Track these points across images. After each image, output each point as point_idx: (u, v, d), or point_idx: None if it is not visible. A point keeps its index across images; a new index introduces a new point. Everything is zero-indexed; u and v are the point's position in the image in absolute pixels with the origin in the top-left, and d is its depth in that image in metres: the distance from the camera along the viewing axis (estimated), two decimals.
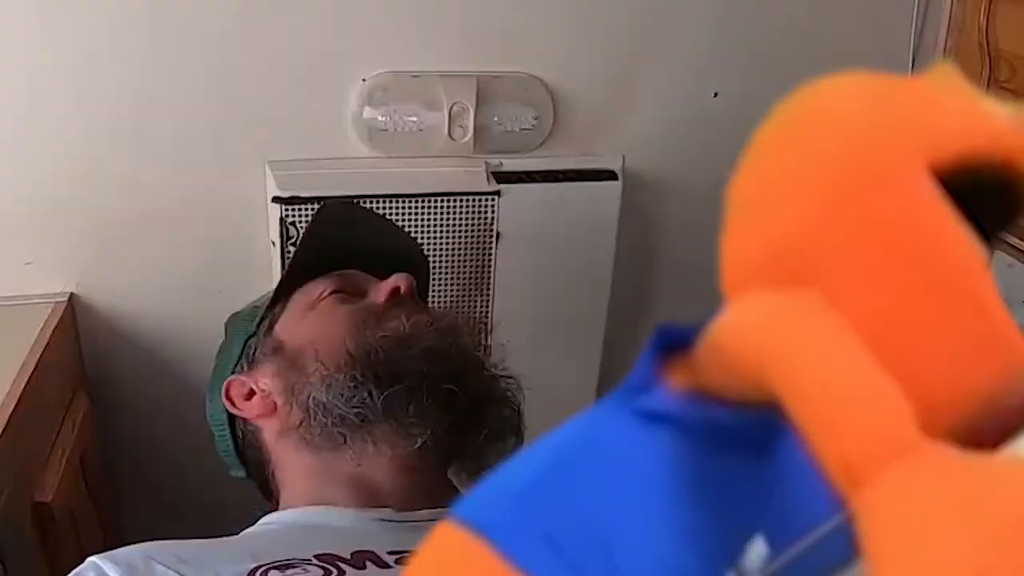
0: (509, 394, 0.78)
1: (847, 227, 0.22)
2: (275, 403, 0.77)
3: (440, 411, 0.71)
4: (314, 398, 0.73)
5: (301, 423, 0.74)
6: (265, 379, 0.78)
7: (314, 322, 0.79)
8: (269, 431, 0.79)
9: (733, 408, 0.23)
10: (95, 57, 1.08)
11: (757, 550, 0.22)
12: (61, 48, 1.07)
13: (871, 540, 0.19)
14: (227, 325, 0.90)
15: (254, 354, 0.81)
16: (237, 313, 0.90)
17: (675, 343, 0.24)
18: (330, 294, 0.80)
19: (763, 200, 0.24)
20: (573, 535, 0.22)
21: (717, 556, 0.22)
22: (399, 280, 0.80)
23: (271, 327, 0.81)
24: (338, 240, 0.86)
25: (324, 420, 0.72)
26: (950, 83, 0.24)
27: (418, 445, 0.71)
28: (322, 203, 0.90)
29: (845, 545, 0.20)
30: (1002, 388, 0.22)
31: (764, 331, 0.21)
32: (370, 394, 0.70)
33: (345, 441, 0.72)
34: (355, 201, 1.03)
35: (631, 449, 0.23)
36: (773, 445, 0.22)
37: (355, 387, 0.71)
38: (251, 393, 0.79)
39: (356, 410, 0.71)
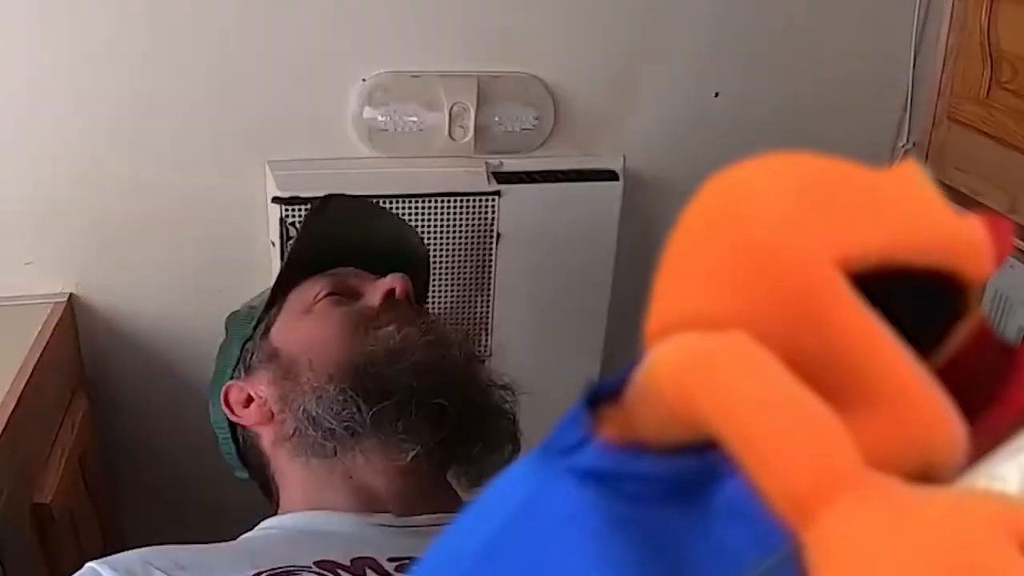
0: (504, 404, 0.77)
1: (752, 313, 0.22)
2: (271, 411, 0.76)
3: (430, 426, 0.70)
4: (305, 410, 0.72)
5: (294, 433, 0.74)
6: (262, 386, 0.78)
7: (308, 328, 0.78)
8: (266, 438, 0.79)
9: (667, 454, 0.22)
10: (95, 57, 1.08)
11: None
12: (61, 48, 1.07)
13: (820, 573, 0.19)
14: (226, 324, 0.90)
15: (251, 359, 0.80)
16: (236, 312, 0.89)
17: (605, 394, 0.24)
18: (325, 296, 0.80)
19: (682, 276, 0.24)
20: None
21: None
22: (394, 282, 0.79)
23: (267, 331, 0.81)
24: (335, 237, 0.86)
25: (314, 433, 0.72)
26: (909, 181, 0.24)
27: (409, 459, 0.70)
28: (320, 198, 0.89)
29: None
30: (915, 462, 0.21)
31: (694, 367, 0.21)
32: (359, 409, 0.70)
33: (335, 453, 0.72)
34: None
35: (566, 511, 0.22)
36: (711, 487, 0.22)
37: (344, 401, 0.70)
38: (249, 400, 0.79)
39: (345, 424, 0.71)
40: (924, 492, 0.20)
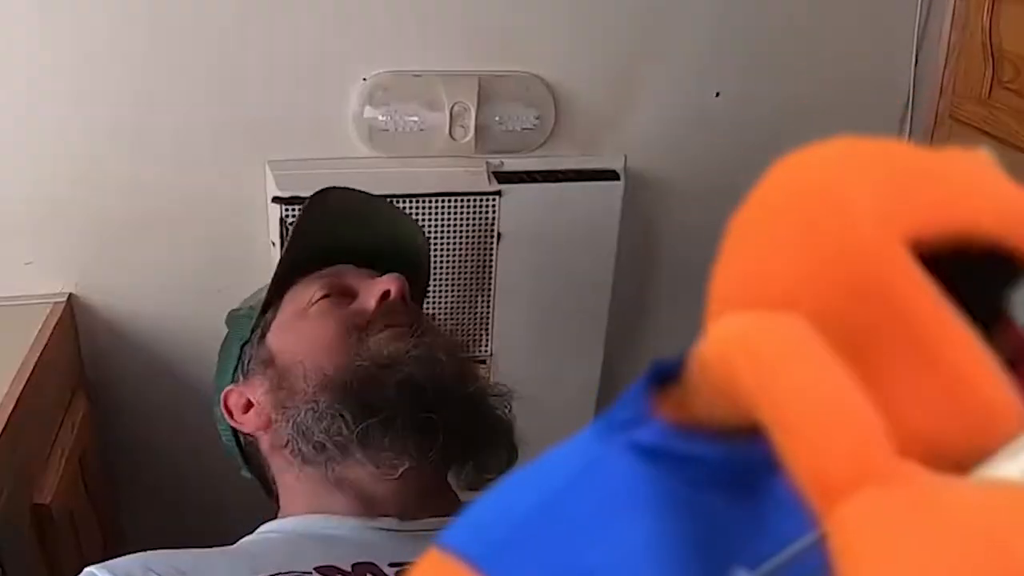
0: (497, 412, 0.76)
1: (825, 299, 0.23)
2: (269, 418, 0.76)
3: (418, 441, 0.69)
4: (296, 423, 0.72)
5: (288, 442, 0.73)
6: (260, 392, 0.77)
7: (302, 335, 0.77)
8: (264, 443, 0.78)
9: (720, 438, 0.23)
10: (95, 57, 1.08)
11: None
12: (61, 48, 1.07)
13: (841, 560, 0.19)
14: (227, 322, 0.89)
15: (249, 364, 0.80)
16: (236, 310, 0.89)
17: (668, 374, 0.24)
18: (320, 299, 0.79)
19: (750, 243, 0.24)
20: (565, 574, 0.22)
21: None
22: (389, 283, 0.78)
23: (263, 336, 0.80)
24: (331, 233, 0.84)
25: (306, 445, 0.72)
26: (979, 162, 0.24)
27: (399, 474, 0.70)
28: (315, 193, 0.87)
29: (819, 563, 0.20)
30: (971, 450, 0.21)
31: (743, 347, 0.21)
32: (346, 425, 0.69)
33: (328, 463, 0.72)
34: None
35: (623, 485, 0.22)
36: (763, 477, 0.22)
37: (332, 416, 0.70)
38: (248, 405, 0.78)
39: (334, 439, 0.70)
40: (952, 482, 0.20)
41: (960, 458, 0.21)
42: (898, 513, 0.19)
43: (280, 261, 0.83)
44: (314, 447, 0.71)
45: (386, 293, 0.78)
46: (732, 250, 0.25)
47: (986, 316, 0.24)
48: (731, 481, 0.22)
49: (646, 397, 0.24)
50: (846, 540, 0.19)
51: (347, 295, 0.80)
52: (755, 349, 0.21)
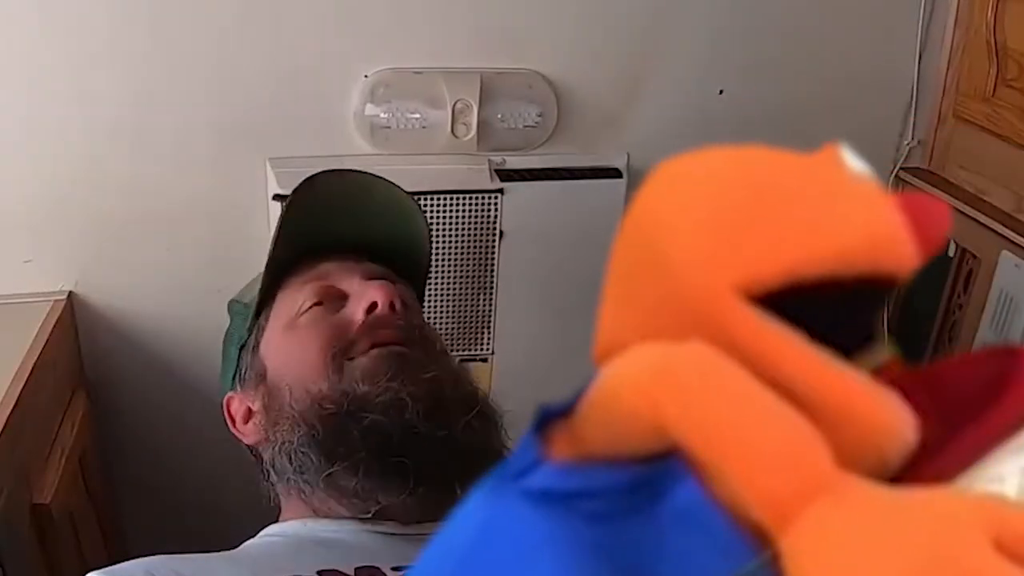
0: (483, 441, 0.71)
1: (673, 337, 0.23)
2: (265, 433, 0.75)
3: (387, 487, 0.67)
4: (273, 456, 0.72)
5: (274, 463, 0.73)
6: (257, 405, 0.77)
7: (290, 353, 0.76)
8: (265, 454, 0.77)
9: (616, 467, 0.22)
10: (95, 57, 1.07)
11: None
12: (61, 48, 1.06)
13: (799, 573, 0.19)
14: (228, 311, 0.88)
15: (246, 373, 0.79)
16: (236, 301, 0.88)
17: (557, 415, 0.24)
18: (309, 308, 0.77)
19: (612, 302, 0.26)
20: None
21: None
22: (376, 294, 0.76)
23: (257, 345, 0.79)
24: (322, 226, 0.82)
25: (285, 473, 0.71)
26: (830, 171, 0.23)
27: (372, 513, 0.68)
28: (305, 179, 0.82)
29: None
30: (866, 460, 0.22)
31: (660, 378, 0.21)
32: (315, 468, 0.69)
33: (312, 491, 0.71)
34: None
35: (521, 533, 0.22)
36: (662, 496, 0.22)
37: (303, 456, 0.69)
38: (248, 414, 0.78)
39: (305, 478, 0.70)
40: (900, 493, 0.20)
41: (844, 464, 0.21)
42: (852, 526, 0.20)
43: (269, 260, 0.80)
44: (290, 478, 0.71)
45: (373, 305, 0.76)
46: (603, 307, 0.26)
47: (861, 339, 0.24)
48: (631, 508, 0.22)
49: (536, 443, 0.23)
50: (802, 556, 0.20)
51: (338, 297, 0.78)
52: (674, 378, 0.21)
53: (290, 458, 0.70)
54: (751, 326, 0.22)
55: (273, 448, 0.72)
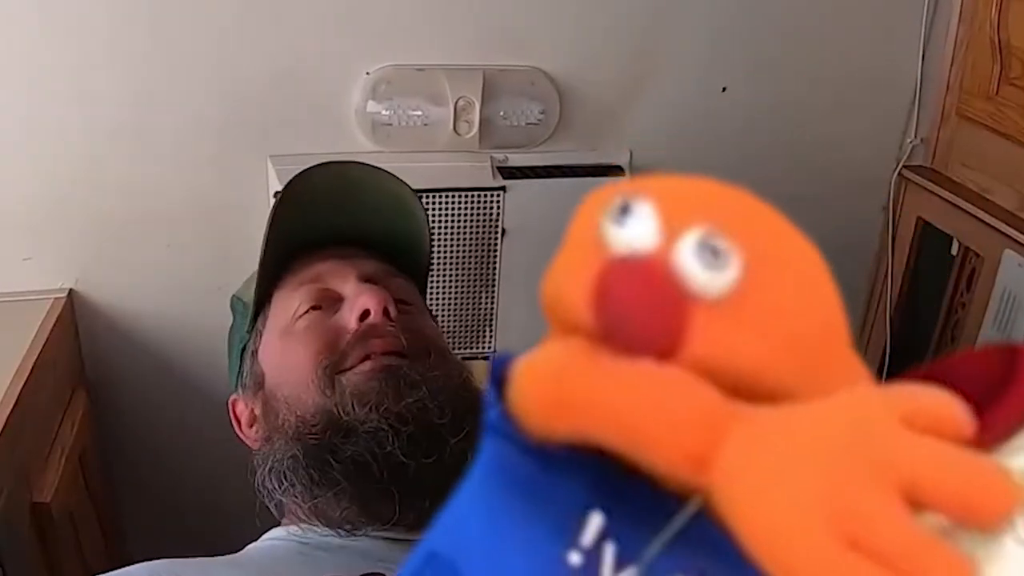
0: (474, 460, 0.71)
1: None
2: (261, 445, 0.74)
3: (373, 512, 0.66)
4: (264, 473, 0.71)
5: (264, 482, 0.72)
6: (258, 410, 0.76)
7: (285, 361, 0.74)
8: (256, 466, 0.77)
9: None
10: (95, 57, 1.07)
11: (595, 522, 0.25)
12: (61, 48, 1.06)
13: (727, 504, 0.22)
14: (231, 307, 0.87)
15: (247, 378, 0.78)
16: (237, 298, 0.86)
17: (506, 365, 0.28)
18: (305, 312, 0.76)
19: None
20: (441, 541, 0.27)
21: (555, 539, 0.25)
22: (368, 301, 0.73)
23: (256, 351, 0.78)
24: (316, 222, 0.80)
25: (272, 495, 0.70)
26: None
27: (359, 536, 0.67)
28: (299, 173, 0.80)
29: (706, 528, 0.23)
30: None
31: (559, 375, 0.25)
32: (301, 494, 0.68)
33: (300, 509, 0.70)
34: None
35: (482, 456, 0.27)
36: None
37: (290, 478, 0.68)
38: (252, 418, 0.77)
39: (293, 499, 0.69)
40: (801, 404, 0.23)
41: None
42: (768, 438, 0.22)
43: (262, 258, 0.79)
44: (281, 500, 0.70)
45: (366, 312, 0.74)
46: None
47: None
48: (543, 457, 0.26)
49: (494, 389, 0.27)
50: (731, 485, 0.22)
51: (333, 300, 0.77)
52: (571, 375, 0.25)
53: (279, 480, 0.69)
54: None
55: (264, 468, 0.71)
